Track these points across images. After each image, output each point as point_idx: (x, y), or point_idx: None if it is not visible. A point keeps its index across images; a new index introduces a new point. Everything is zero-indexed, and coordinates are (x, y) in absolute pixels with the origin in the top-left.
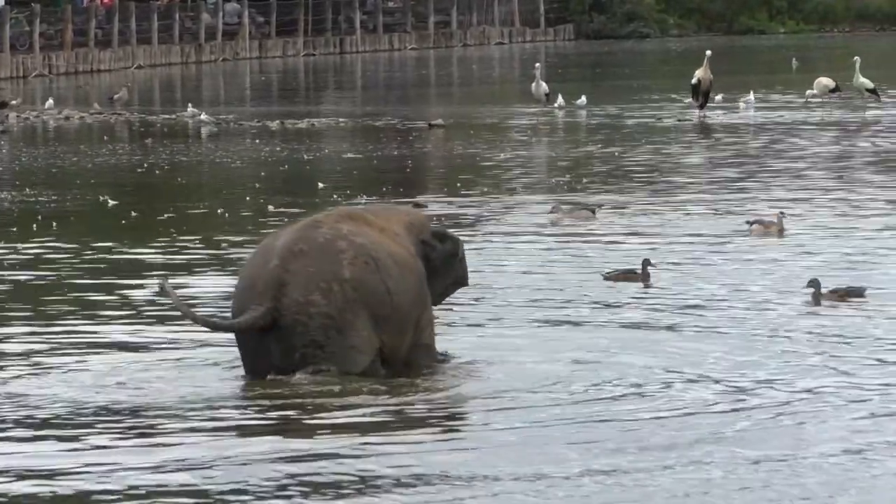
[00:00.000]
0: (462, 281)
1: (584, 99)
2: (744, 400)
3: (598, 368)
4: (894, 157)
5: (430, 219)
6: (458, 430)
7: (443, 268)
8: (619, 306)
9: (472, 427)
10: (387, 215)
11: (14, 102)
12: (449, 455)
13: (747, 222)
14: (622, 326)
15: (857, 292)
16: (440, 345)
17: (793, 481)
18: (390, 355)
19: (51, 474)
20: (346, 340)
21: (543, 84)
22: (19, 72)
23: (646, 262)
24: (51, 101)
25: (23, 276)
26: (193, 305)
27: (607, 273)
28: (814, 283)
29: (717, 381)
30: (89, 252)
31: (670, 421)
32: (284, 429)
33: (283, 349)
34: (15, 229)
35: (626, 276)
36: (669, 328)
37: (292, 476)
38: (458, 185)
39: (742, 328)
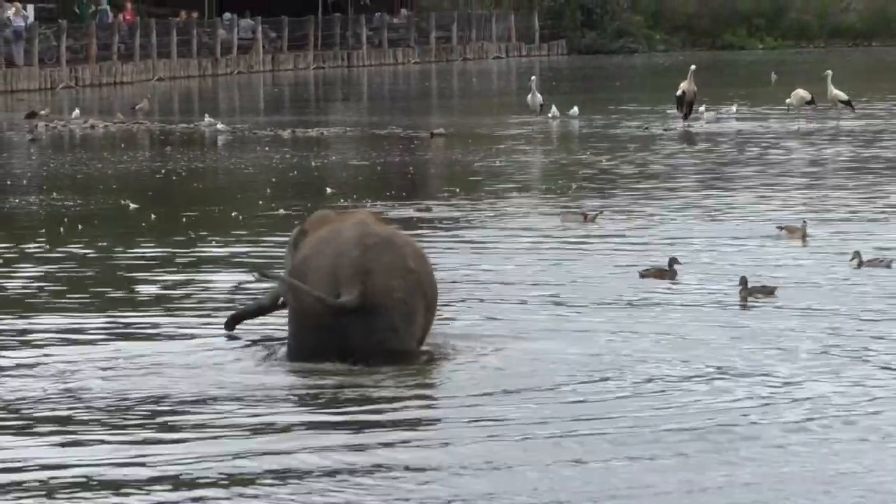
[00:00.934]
0: None
1: (576, 110)
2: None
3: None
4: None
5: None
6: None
7: None
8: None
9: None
10: (343, 215)
11: (43, 112)
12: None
13: (777, 227)
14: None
15: (769, 290)
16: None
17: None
18: (420, 341)
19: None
20: (411, 327)
21: (539, 96)
22: (48, 84)
23: (672, 261)
24: (77, 111)
25: (51, 271)
26: (211, 298)
27: (644, 270)
28: (742, 281)
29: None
30: (111, 250)
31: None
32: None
33: (363, 331)
34: (43, 230)
35: (659, 273)
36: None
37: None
38: (457, 189)
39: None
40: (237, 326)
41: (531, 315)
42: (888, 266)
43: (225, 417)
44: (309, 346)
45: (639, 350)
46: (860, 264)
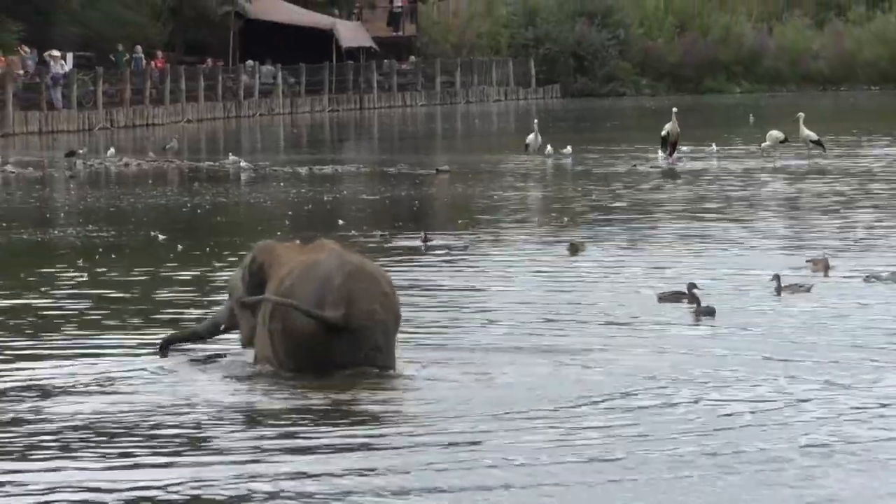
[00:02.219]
0: None
1: (569, 148)
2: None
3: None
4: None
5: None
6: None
7: None
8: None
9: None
10: (310, 246)
11: (81, 151)
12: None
13: (807, 260)
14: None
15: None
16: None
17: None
18: None
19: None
20: (391, 344)
21: (539, 137)
22: (85, 125)
23: (691, 286)
24: (112, 150)
25: (86, 294)
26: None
27: (661, 294)
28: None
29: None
30: (141, 277)
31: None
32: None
33: (350, 350)
34: (81, 260)
35: (676, 296)
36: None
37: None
38: (459, 221)
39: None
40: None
41: (569, 337)
42: (808, 291)
43: (254, 438)
44: (301, 365)
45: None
46: (779, 289)
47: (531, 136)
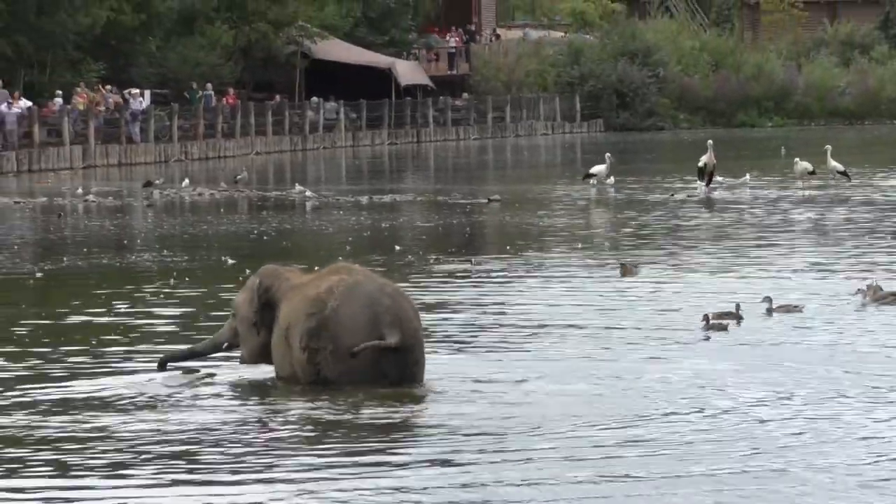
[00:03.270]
0: None
1: (612, 179)
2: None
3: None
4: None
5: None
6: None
7: None
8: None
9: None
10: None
11: (157, 182)
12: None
13: (860, 289)
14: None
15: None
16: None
17: None
18: None
19: None
20: (424, 358)
21: (609, 170)
22: (162, 157)
23: (738, 306)
24: (187, 180)
25: (165, 313)
26: None
27: (709, 315)
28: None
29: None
30: (211, 298)
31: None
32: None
33: (398, 366)
34: (157, 283)
35: (723, 316)
36: None
37: None
38: (508, 247)
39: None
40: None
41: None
42: (800, 311)
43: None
44: (347, 382)
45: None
46: (770, 310)
47: (601, 168)
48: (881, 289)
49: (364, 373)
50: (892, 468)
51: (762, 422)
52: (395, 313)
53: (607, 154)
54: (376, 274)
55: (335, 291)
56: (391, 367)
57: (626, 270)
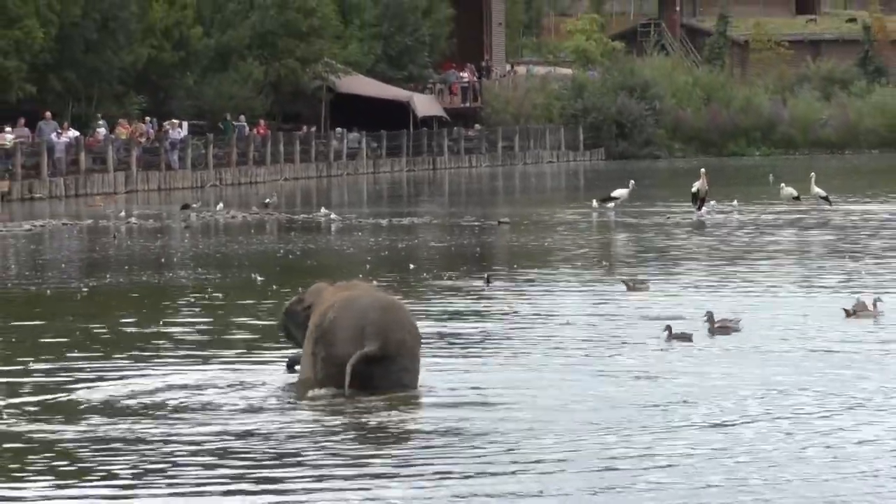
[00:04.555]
0: None
1: (612, 203)
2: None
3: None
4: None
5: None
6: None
7: None
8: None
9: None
10: (350, 285)
11: (194, 205)
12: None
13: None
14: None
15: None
16: None
17: None
18: None
19: None
20: (417, 366)
21: (628, 194)
22: (198, 183)
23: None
24: (221, 204)
25: (200, 325)
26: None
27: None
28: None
29: None
30: (241, 310)
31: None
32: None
33: (383, 373)
34: (193, 298)
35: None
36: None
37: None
38: (515, 265)
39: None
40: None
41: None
42: (737, 329)
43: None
44: (339, 387)
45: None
46: (712, 328)
47: (623, 191)
48: (866, 306)
49: (354, 377)
50: None
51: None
52: (381, 325)
53: (631, 181)
54: (381, 290)
55: (335, 305)
56: (377, 374)
57: (631, 286)
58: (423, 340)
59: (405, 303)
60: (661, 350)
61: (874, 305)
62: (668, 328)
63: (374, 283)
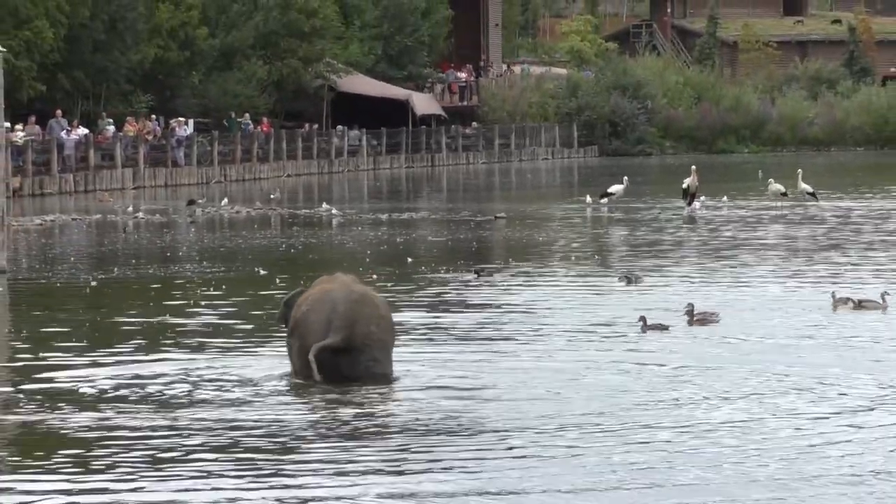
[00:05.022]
0: None
1: (605, 199)
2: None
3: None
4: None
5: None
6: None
7: None
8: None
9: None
10: (332, 279)
11: (200, 201)
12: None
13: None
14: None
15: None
16: None
17: None
18: None
19: None
20: (388, 356)
21: (623, 189)
22: (203, 179)
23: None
24: (225, 199)
25: (204, 316)
26: None
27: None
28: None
29: None
30: (245, 305)
31: None
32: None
33: (352, 363)
34: (198, 290)
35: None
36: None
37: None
38: (510, 258)
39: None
40: None
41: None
42: (716, 322)
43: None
44: (309, 374)
45: None
46: (690, 320)
47: (619, 187)
48: (850, 300)
49: (320, 367)
50: None
51: None
52: (348, 317)
53: (625, 177)
54: (360, 284)
55: (308, 298)
56: (345, 365)
57: (631, 280)
58: (415, 331)
59: (399, 294)
60: (636, 341)
61: (859, 304)
62: (643, 319)
63: (373, 276)
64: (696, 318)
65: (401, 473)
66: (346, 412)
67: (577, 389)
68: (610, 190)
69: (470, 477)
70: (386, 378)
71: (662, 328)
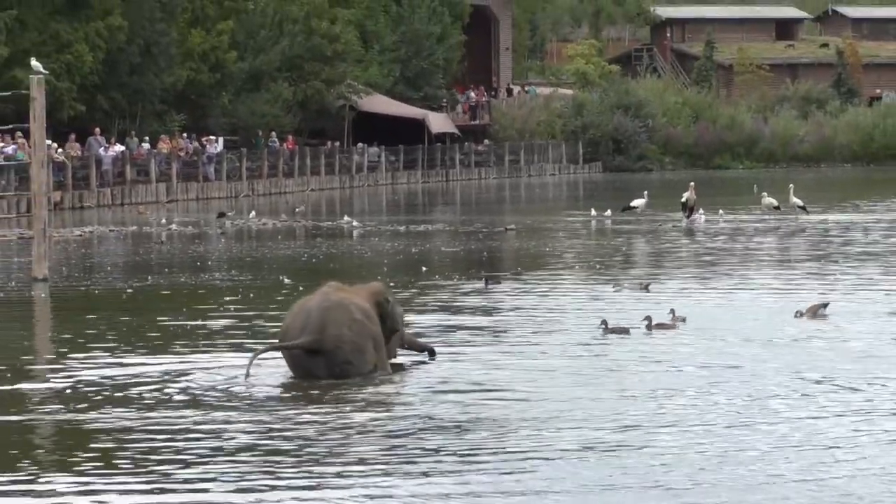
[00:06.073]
0: (395, 326)
1: (609, 211)
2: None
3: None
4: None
5: (385, 288)
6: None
7: (389, 316)
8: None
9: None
10: (357, 288)
11: (229, 214)
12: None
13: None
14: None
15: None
16: None
17: None
18: (381, 364)
19: None
20: (362, 357)
21: (645, 202)
22: (232, 193)
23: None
24: (253, 212)
25: (233, 321)
26: None
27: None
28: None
29: None
30: (270, 311)
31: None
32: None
33: (326, 364)
34: (227, 297)
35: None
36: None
37: None
38: (519, 267)
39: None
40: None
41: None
42: (680, 323)
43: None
44: (297, 377)
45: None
46: (650, 326)
47: (641, 201)
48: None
49: (295, 368)
50: None
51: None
52: (319, 322)
53: (645, 192)
54: (345, 292)
55: (294, 306)
56: (316, 366)
57: (642, 287)
58: (429, 334)
59: (414, 300)
60: (603, 343)
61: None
62: (604, 322)
63: (383, 282)
64: (655, 325)
65: (429, 474)
66: (369, 413)
67: (581, 386)
68: (633, 204)
69: (497, 478)
70: (362, 376)
71: (623, 331)
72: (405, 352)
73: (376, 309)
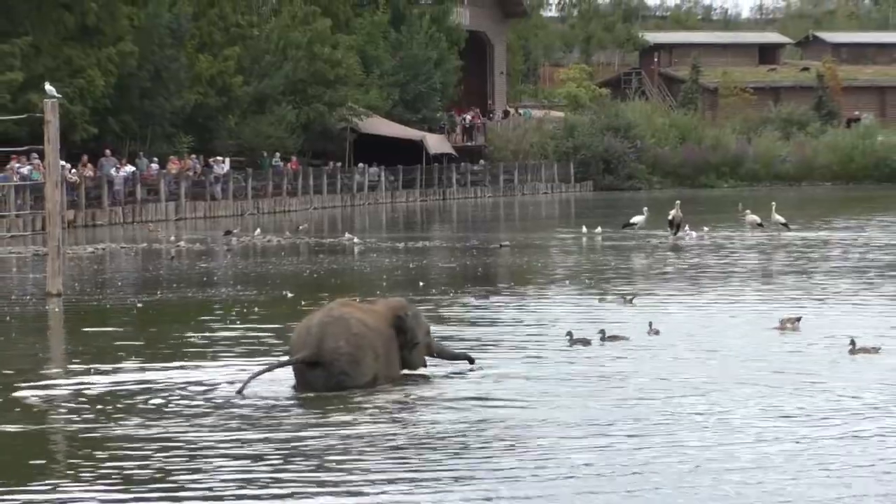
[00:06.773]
0: (414, 339)
1: (599, 228)
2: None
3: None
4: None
5: (406, 303)
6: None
7: (409, 330)
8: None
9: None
10: (376, 303)
11: (235, 231)
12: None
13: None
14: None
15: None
16: None
17: None
18: (380, 377)
19: None
20: (359, 369)
21: (644, 219)
22: (238, 211)
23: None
24: (258, 230)
25: (239, 334)
26: None
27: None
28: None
29: None
30: (272, 324)
31: None
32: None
33: (325, 376)
34: (233, 311)
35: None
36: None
37: None
38: (512, 283)
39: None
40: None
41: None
42: (631, 301)
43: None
44: (300, 389)
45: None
46: (603, 339)
47: (640, 218)
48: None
49: (299, 383)
50: None
51: None
52: (317, 336)
53: (645, 208)
54: (346, 307)
55: (299, 322)
56: (315, 379)
57: (627, 300)
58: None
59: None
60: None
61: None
62: (570, 334)
63: (390, 296)
64: (609, 337)
65: (432, 484)
66: (374, 424)
67: (571, 395)
68: (632, 220)
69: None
70: (359, 386)
71: (585, 342)
72: (435, 361)
73: (394, 322)
